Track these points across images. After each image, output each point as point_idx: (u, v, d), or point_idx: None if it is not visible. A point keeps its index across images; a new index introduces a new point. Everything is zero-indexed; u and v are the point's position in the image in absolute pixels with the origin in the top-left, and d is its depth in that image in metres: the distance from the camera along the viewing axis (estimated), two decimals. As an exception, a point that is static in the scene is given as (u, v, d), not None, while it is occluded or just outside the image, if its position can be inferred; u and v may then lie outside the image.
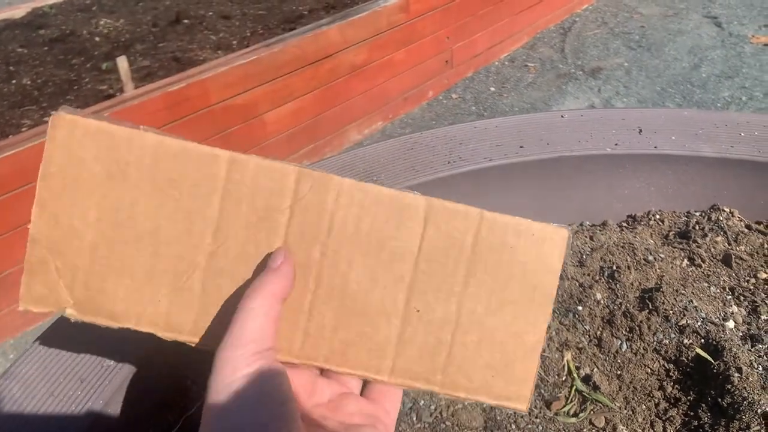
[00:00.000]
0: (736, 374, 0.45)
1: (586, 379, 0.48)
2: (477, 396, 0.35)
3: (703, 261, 0.57)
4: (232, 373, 0.28)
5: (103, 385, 0.41)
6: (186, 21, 2.28)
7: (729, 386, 0.45)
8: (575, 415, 0.46)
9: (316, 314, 0.34)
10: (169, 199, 0.33)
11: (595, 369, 0.49)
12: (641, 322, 0.50)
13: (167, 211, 0.33)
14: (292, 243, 0.33)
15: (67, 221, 0.32)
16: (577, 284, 0.53)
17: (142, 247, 0.33)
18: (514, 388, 0.35)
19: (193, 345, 0.34)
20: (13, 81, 1.94)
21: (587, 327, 0.51)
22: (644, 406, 0.47)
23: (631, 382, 0.48)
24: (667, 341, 0.49)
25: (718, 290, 0.54)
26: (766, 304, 0.52)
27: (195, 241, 0.33)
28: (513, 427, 0.45)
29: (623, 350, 0.49)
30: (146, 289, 0.33)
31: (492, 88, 2.30)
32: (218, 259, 0.33)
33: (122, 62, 1.59)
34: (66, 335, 0.44)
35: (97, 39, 2.20)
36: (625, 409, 0.47)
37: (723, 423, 0.43)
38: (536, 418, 0.46)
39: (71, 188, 0.32)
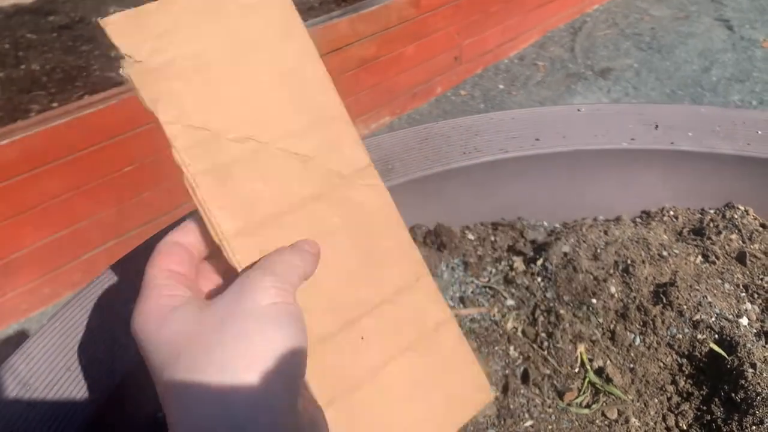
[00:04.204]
0: (750, 370, 0.45)
1: (599, 372, 0.48)
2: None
3: (717, 258, 0.56)
4: (253, 302, 0.28)
5: (119, 361, 0.41)
6: (196, 11, 2.28)
7: (743, 381, 0.44)
8: (588, 406, 0.46)
9: None
10: None
11: (608, 362, 0.49)
12: (655, 316, 0.50)
13: None
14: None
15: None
16: (591, 277, 0.53)
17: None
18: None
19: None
20: (22, 66, 1.93)
21: (601, 320, 0.51)
22: (657, 400, 0.47)
23: (643, 376, 0.48)
24: (680, 336, 0.49)
25: (732, 287, 0.54)
26: (780, 301, 0.52)
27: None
28: (526, 416, 0.45)
29: (636, 344, 0.49)
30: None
31: (501, 86, 2.29)
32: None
33: (132, 49, 1.58)
34: (76, 317, 0.44)
35: (106, 26, 2.19)
36: (638, 402, 0.47)
37: (736, 418, 0.43)
38: (549, 408, 0.46)
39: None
